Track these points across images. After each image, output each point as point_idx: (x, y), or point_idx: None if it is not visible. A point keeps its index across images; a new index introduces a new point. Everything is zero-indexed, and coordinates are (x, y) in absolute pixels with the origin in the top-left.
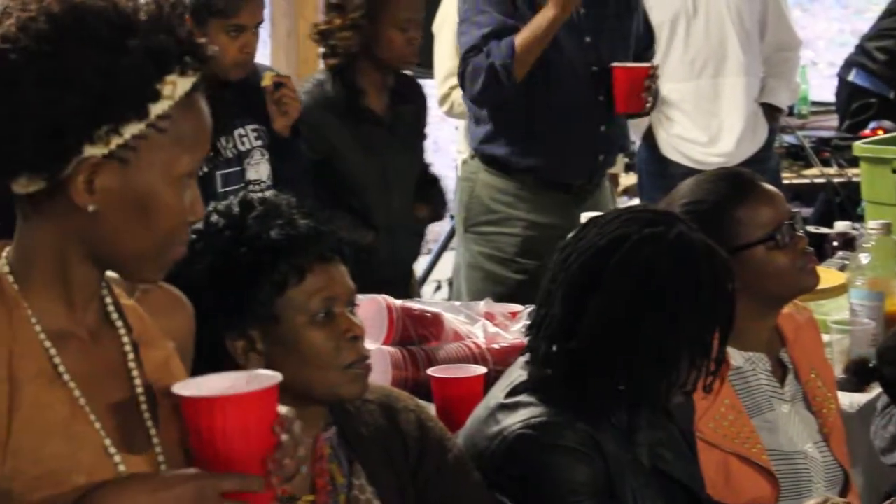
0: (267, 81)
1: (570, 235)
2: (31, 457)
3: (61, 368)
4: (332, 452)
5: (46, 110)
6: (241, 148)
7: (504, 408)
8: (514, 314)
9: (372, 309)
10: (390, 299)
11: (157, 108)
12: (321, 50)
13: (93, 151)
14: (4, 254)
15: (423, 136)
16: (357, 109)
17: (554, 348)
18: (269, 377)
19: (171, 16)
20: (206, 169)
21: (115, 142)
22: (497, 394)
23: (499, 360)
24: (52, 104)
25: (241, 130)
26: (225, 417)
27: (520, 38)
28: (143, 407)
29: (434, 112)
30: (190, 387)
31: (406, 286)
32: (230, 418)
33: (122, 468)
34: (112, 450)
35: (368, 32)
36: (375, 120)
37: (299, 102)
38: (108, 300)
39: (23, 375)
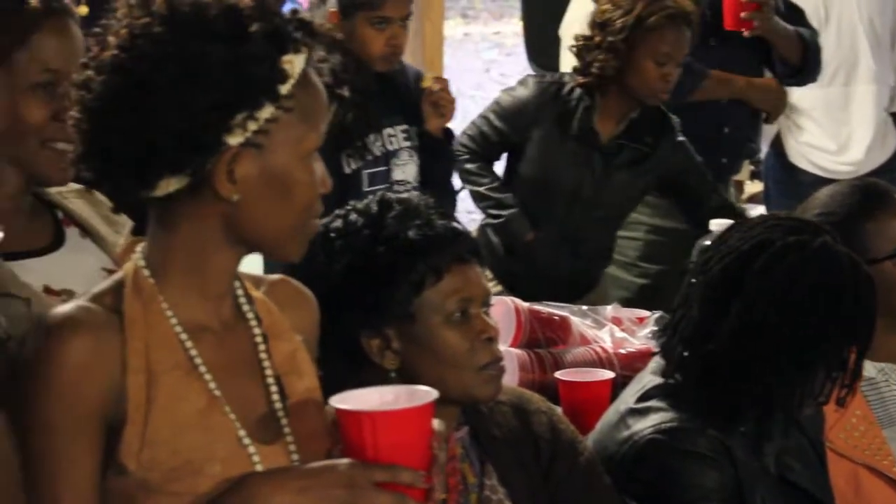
0: (428, 82)
1: (711, 239)
2: (168, 447)
3: (197, 360)
4: (463, 452)
5: (182, 111)
6: (389, 147)
7: (635, 412)
8: (641, 319)
9: (500, 310)
10: (518, 301)
11: (283, 89)
12: (574, 63)
13: (232, 141)
14: (139, 249)
15: (646, 181)
16: (581, 126)
17: (688, 352)
18: (426, 393)
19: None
20: (353, 167)
21: (251, 128)
22: (628, 398)
23: (625, 365)
24: (187, 104)
25: (390, 130)
26: (385, 432)
27: None
28: (275, 398)
29: None
30: (348, 400)
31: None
32: (390, 433)
33: (256, 458)
34: (246, 440)
35: (624, 57)
36: (594, 143)
37: (455, 105)
38: (240, 293)
39: (159, 368)
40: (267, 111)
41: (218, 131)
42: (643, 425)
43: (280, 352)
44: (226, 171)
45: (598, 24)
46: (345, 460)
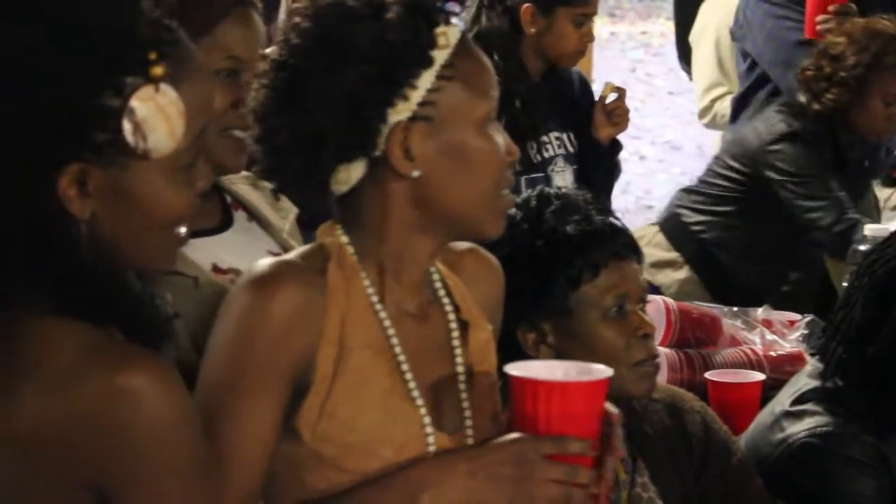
0: (608, 91)
1: (867, 244)
2: (346, 424)
3: (394, 341)
4: None
5: (338, 94)
6: (545, 154)
7: (790, 415)
8: (792, 322)
9: (651, 309)
10: (669, 300)
11: (439, 57)
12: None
13: (397, 116)
14: (339, 228)
15: None
16: (840, 158)
17: (848, 354)
18: (601, 370)
19: None
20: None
21: (414, 98)
22: (783, 400)
23: (775, 368)
24: (341, 86)
25: (545, 137)
26: (560, 403)
27: None
28: (462, 387)
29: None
30: (522, 369)
31: None
32: (565, 405)
33: (432, 448)
34: (429, 428)
35: (853, 92)
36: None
37: (629, 117)
38: (437, 277)
39: (352, 343)
40: (426, 79)
41: (379, 107)
42: (798, 428)
43: (475, 341)
44: (401, 148)
45: (831, 56)
46: (511, 436)
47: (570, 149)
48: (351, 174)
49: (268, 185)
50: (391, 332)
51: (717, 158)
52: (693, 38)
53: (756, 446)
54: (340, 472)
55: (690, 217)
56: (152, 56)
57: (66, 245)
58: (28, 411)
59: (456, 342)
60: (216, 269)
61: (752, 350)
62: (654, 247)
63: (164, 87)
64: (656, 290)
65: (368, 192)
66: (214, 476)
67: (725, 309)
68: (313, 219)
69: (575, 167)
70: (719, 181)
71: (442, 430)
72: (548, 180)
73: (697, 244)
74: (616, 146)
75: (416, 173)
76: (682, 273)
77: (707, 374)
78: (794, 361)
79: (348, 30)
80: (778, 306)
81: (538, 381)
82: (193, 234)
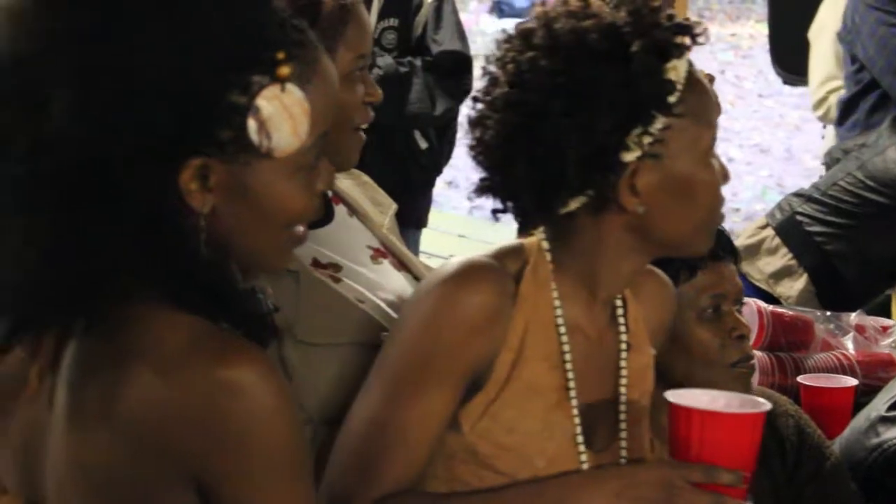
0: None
1: None
2: (505, 426)
3: (567, 357)
4: None
5: (581, 137)
6: None
7: (885, 420)
8: (885, 328)
9: (743, 312)
10: (761, 303)
11: (672, 98)
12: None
13: (629, 157)
14: (541, 231)
15: None
16: None
17: None
18: (761, 404)
19: (648, 10)
20: None
21: (647, 142)
22: (879, 405)
23: (868, 373)
24: (585, 130)
25: None
26: (713, 432)
27: None
28: (622, 408)
29: (788, 121)
30: (682, 397)
31: None
32: (718, 434)
33: (585, 466)
34: (582, 447)
35: None
36: None
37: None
38: (619, 302)
39: (530, 353)
40: (660, 122)
41: (616, 151)
42: (893, 434)
43: (636, 363)
44: (628, 185)
45: None
46: (661, 460)
47: None
48: (573, 203)
49: (370, 181)
50: (566, 348)
51: (848, 174)
52: (812, 34)
53: (851, 451)
54: (491, 471)
55: (812, 226)
56: (280, 56)
57: (185, 237)
58: (132, 396)
59: (623, 363)
60: (316, 263)
61: (845, 355)
62: (771, 254)
63: (290, 86)
64: (776, 301)
65: (586, 219)
66: (308, 477)
67: (818, 313)
68: None
69: None
70: (848, 197)
71: (591, 448)
72: None
73: (819, 254)
74: None
75: (641, 209)
76: (801, 283)
77: (799, 378)
78: (887, 367)
79: (592, 74)
80: (871, 312)
81: (692, 409)
82: None
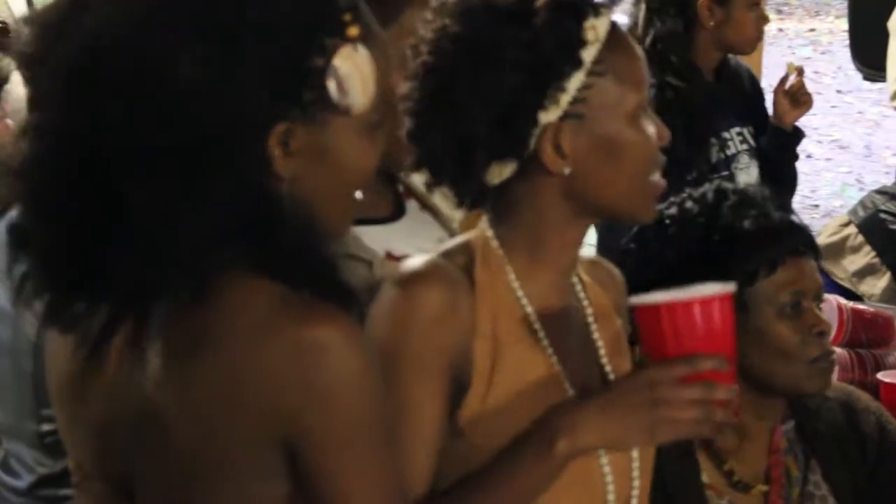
0: (791, 70)
1: None
2: (506, 414)
3: (541, 334)
4: (788, 446)
5: (490, 98)
6: (728, 152)
7: None
8: None
9: (823, 308)
10: (841, 300)
11: (588, 54)
12: None
13: (548, 118)
14: (484, 221)
15: None
16: None
17: None
18: (723, 286)
19: None
20: (694, 174)
21: (564, 100)
22: None
23: None
24: (493, 90)
25: (726, 134)
26: (684, 323)
27: None
28: (610, 377)
29: (867, 117)
30: (648, 299)
31: None
32: (689, 324)
33: None
34: None
35: None
36: None
37: (811, 97)
38: (576, 280)
39: (506, 338)
40: (576, 80)
41: (531, 110)
42: None
43: (607, 333)
44: (552, 146)
45: None
46: (636, 372)
47: (752, 143)
48: (502, 171)
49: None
50: (537, 325)
51: None
52: (891, 24)
53: None
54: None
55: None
56: (347, 17)
57: (271, 205)
58: (222, 361)
59: (596, 335)
60: (390, 256)
61: None
62: (855, 252)
63: (359, 46)
64: (859, 299)
65: (519, 188)
66: (394, 445)
67: None
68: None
69: (757, 163)
70: None
71: None
72: (731, 178)
73: None
74: (799, 133)
75: (567, 170)
76: (884, 281)
77: (879, 375)
78: None
79: (499, 35)
80: None
81: (659, 304)
82: (368, 222)
